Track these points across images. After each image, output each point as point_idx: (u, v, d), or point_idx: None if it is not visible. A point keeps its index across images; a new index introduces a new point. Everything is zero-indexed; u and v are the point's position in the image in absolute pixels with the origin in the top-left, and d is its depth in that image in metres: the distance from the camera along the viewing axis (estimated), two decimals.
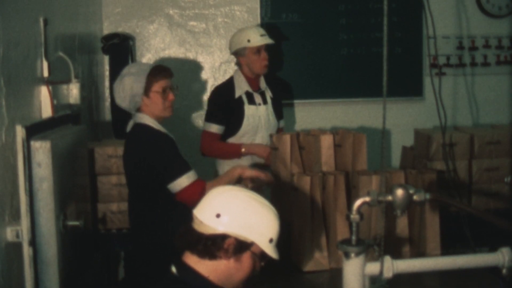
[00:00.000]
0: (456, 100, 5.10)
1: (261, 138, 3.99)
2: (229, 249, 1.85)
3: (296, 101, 4.97)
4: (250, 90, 4.03)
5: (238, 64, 4.06)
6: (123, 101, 3.01)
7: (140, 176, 2.99)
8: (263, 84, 4.09)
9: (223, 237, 1.84)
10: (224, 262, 1.87)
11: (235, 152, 3.94)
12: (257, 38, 3.98)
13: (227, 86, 4.07)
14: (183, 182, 2.92)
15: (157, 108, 3.00)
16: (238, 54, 4.01)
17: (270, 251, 1.89)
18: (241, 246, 1.86)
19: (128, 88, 2.96)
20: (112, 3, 4.74)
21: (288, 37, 4.89)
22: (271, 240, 1.89)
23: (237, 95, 4.00)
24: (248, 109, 4.00)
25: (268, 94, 4.09)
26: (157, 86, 2.99)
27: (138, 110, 3.03)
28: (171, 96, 3.03)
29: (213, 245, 1.85)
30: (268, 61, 4.01)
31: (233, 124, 4.01)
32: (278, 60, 4.89)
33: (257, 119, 4.01)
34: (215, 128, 4.00)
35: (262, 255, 1.90)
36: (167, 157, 2.95)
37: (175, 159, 2.96)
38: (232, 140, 4.03)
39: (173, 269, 1.91)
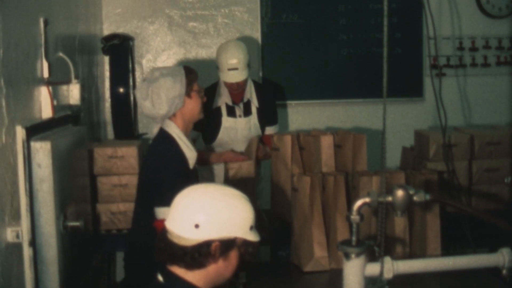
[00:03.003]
0: (456, 101, 5.10)
1: (237, 149, 3.88)
2: (216, 253, 1.83)
3: (296, 102, 4.97)
4: (230, 103, 3.93)
5: None
6: (159, 106, 2.79)
7: (145, 186, 2.94)
8: (249, 94, 3.96)
9: (208, 244, 1.81)
10: (213, 266, 1.85)
11: (206, 162, 3.86)
12: (225, 74, 3.80)
13: (208, 94, 3.87)
14: (166, 213, 2.78)
15: (196, 109, 2.88)
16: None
17: (252, 237, 1.88)
18: (227, 246, 1.84)
19: (168, 89, 2.78)
20: (112, 3, 4.74)
21: (288, 38, 4.89)
22: (251, 228, 1.88)
23: (215, 105, 3.92)
24: (226, 121, 3.93)
25: (254, 105, 3.97)
26: (196, 86, 2.89)
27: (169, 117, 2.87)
28: (204, 98, 2.94)
29: (200, 256, 1.82)
30: (238, 89, 3.86)
31: (209, 134, 3.95)
32: (278, 61, 4.89)
33: (234, 131, 3.93)
34: (193, 134, 3.92)
35: (246, 242, 1.88)
36: (168, 182, 2.75)
37: (173, 187, 2.74)
38: (209, 147, 3.99)
39: (160, 277, 1.89)
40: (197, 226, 1.81)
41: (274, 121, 4.08)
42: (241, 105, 3.96)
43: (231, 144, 3.93)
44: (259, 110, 3.98)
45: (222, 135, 3.93)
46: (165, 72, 2.83)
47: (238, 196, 1.89)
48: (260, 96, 4.00)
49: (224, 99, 3.93)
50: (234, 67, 3.77)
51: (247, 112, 3.96)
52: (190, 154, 2.88)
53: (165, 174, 2.78)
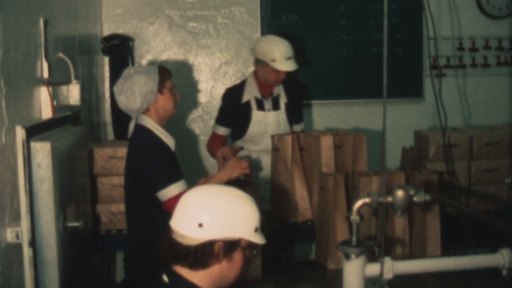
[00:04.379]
0: (456, 101, 5.09)
1: (267, 144, 3.90)
2: (219, 253, 1.82)
3: None
4: (259, 96, 4.00)
5: (255, 67, 4.01)
6: (133, 101, 2.95)
7: (136, 181, 3.00)
8: (277, 89, 4.04)
9: (211, 243, 1.81)
10: (216, 267, 1.84)
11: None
12: (282, 63, 3.87)
13: (237, 90, 4.06)
14: (171, 191, 2.90)
15: (169, 105, 3.03)
16: (258, 62, 3.95)
17: (258, 239, 1.88)
18: (231, 246, 1.84)
19: (141, 85, 2.94)
20: (112, 4, 4.74)
21: (288, 38, 4.88)
22: (256, 229, 1.88)
23: (244, 99, 3.99)
24: (256, 115, 3.99)
25: (283, 100, 4.05)
26: (169, 83, 3.04)
27: (143, 111, 3.01)
28: (178, 95, 3.10)
29: (204, 255, 1.82)
30: (281, 80, 3.96)
31: (240, 128, 4.02)
32: None
33: (264, 125, 3.99)
34: (221, 130, 4.06)
35: (251, 245, 1.88)
36: (158, 165, 2.93)
37: (165, 167, 2.93)
38: (239, 143, 4.05)
39: (165, 277, 1.88)
40: (200, 225, 1.80)
41: (300, 119, 4.18)
42: (270, 99, 4.03)
43: (261, 138, 3.99)
44: (287, 106, 4.06)
45: (253, 128, 3.99)
46: (140, 70, 3.03)
47: (243, 197, 1.89)
48: (288, 91, 4.08)
49: (253, 93, 4.01)
50: (290, 56, 3.91)
51: (275, 106, 4.04)
52: (168, 140, 3.02)
53: (151, 160, 2.93)
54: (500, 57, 5.14)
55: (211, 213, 1.82)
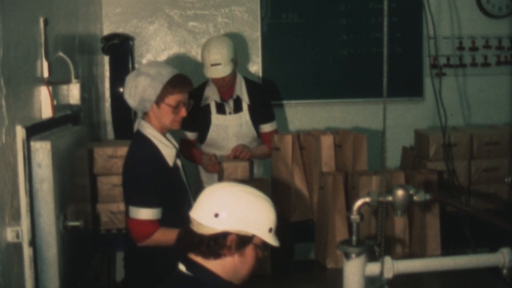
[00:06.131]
0: (456, 101, 5.10)
1: (229, 149, 3.84)
2: (232, 245, 1.87)
3: (296, 102, 4.96)
4: (218, 100, 3.90)
5: None
6: (132, 99, 2.83)
7: (124, 187, 2.97)
8: (238, 90, 3.90)
9: (225, 235, 1.87)
10: (229, 259, 1.89)
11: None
12: (207, 68, 3.75)
13: (196, 92, 3.81)
14: (139, 213, 2.78)
15: (164, 119, 2.84)
16: None
17: (271, 240, 1.93)
18: (243, 241, 1.88)
19: (141, 89, 2.78)
20: (112, 3, 4.74)
21: (288, 38, 4.89)
22: (270, 230, 1.92)
23: (203, 103, 3.89)
24: (216, 118, 3.90)
25: (245, 102, 3.92)
26: (171, 100, 2.81)
27: (145, 114, 2.88)
28: (183, 112, 2.85)
29: (216, 245, 1.87)
30: (224, 85, 3.81)
31: (201, 133, 3.95)
32: (278, 61, 4.89)
33: (224, 129, 3.89)
34: (188, 135, 3.95)
35: (264, 244, 1.93)
36: (140, 183, 2.80)
37: (146, 188, 2.79)
38: (203, 147, 4.00)
39: (182, 267, 1.92)
40: (216, 215, 1.86)
41: (269, 118, 4.00)
42: (231, 101, 3.91)
43: (222, 142, 3.91)
44: (250, 107, 3.92)
45: (213, 133, 3.91)
46: (151, 72, 2.81)
47: (262, 198, 1.94)
48: (251, 93, 3.94)
49: (212, 97, 3.90)
50: (217, 63, 3.72)
51: (237, 108, 3.92)
52: (167, 151, 2.86)
53: (138, 174, 2.81)
54: (500, 56, 5.14)
55: (228, 205, 1.88)
